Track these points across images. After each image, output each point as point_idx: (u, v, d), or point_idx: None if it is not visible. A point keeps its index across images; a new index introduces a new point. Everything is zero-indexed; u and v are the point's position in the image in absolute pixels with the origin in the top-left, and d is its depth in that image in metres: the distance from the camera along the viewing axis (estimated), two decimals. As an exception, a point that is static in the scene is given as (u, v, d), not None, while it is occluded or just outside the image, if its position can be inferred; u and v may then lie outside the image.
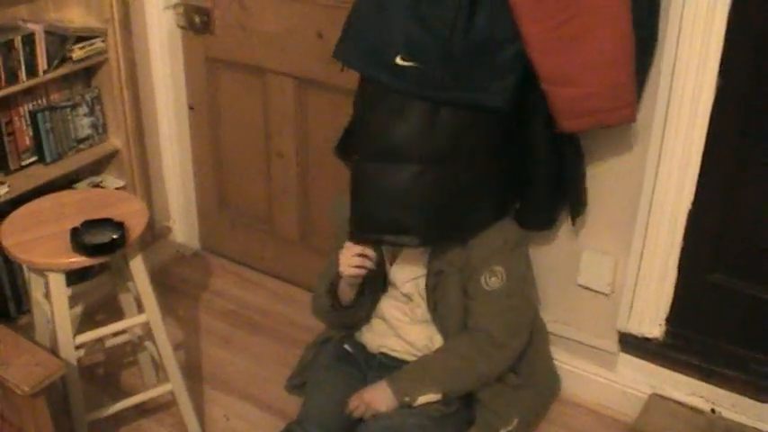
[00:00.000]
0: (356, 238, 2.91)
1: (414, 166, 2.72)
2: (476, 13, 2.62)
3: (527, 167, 2.92)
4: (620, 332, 3.29)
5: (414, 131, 2.69)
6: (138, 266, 2.86)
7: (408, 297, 3.05)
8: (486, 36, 2.62)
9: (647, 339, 3.25)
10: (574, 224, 3.12)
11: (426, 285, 2.98)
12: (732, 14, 2.70)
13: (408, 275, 3.03)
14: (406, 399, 2.91)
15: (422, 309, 3.04)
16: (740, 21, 2.70)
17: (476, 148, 2.75)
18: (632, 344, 3.29)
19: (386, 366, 3.09)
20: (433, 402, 2.93)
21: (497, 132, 2.78)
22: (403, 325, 3.09)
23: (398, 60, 2.69)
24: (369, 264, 2.91)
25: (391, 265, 3.07)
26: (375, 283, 3.08)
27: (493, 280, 2.95)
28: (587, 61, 2.60)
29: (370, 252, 2.91)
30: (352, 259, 2.90)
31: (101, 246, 2.69)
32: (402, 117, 2.69)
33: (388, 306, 3.11)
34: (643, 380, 3.31)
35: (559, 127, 2.73)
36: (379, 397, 2.93)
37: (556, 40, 2.58)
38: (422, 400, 2.92)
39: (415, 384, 2.94)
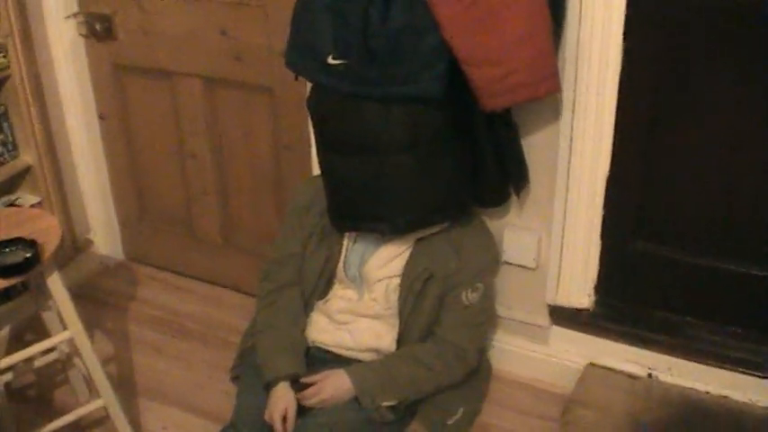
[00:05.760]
0: (334, 226, 2.96)
1: (374, 157, 2.73)
2: (391, 3, 2.60)
3: (475, 146, 2.91)
4: (550, 306, 3.30)
5: (369, 125, 2.70)
6: (55, 283, 2.81)
7: (369, 291, 3.03)
8: (406, 24, 2.60)
9: (577, 310, 3.27)
10: (518, 197, 3.11)
11: (407, 287, 2.96)
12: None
13: (382, 273, 3.01)
14: (371, 403, 2.89)
15: (380, 305, 3.02)
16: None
17: (435, 134, 2.75)
18: (563, 316, 3.30)
19: (319, 360, 3.06)
20: (388, 406, 2.93)
21: (455, 117, 2.78)
22: (350, 319, 3.06)
23: (330, 60, 2.70)
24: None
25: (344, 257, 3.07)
26: (319, 282, 3.09)
27: (473, 296, 2.98)
28: (503, 39, 2.59)
29: (290, 417, 2.87)
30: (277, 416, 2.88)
31: (13, 266, 2.63)
32: (356, 112, 2.70)
33: (334, 299, 3.09)
34: (577, 351, 3.33)
35: (482, 106, 2.71)
36: (339, 394, 2.90)
37: (469, 21, 2.56)
38: (383, 405, 2.91)
39: (383, 391, 2.91)
